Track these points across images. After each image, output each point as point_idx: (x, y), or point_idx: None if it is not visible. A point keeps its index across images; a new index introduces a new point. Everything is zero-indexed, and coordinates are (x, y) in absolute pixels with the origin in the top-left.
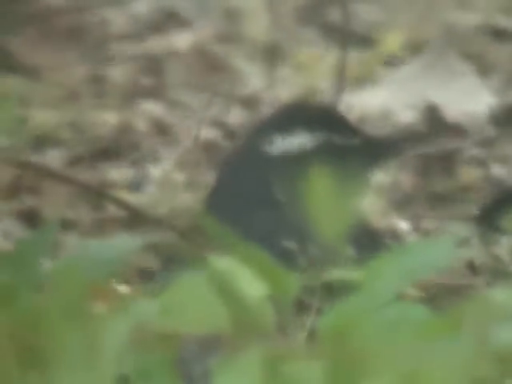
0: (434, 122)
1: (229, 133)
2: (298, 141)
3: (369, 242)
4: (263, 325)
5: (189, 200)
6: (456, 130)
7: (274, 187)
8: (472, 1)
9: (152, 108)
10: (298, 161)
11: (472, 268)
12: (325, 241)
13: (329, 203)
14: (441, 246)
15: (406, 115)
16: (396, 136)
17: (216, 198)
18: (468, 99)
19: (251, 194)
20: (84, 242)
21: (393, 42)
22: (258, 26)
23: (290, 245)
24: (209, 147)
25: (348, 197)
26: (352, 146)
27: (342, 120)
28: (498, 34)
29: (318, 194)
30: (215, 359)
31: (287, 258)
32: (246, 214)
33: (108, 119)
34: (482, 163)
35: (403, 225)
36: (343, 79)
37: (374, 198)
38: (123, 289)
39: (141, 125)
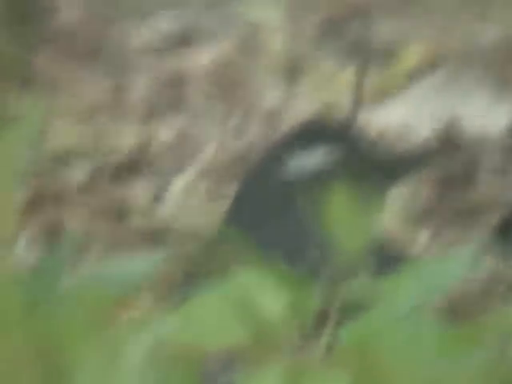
0: (454, 135)
1: (249, 145)
2: (317, 158)
3: (388, 256)
4: (284, 338)
5: (211, 213)
6: (476, 143)
7: (294, 204)
8: (492, 13)
9: (174, 121)
10: (317, 178)
11: (491, 280)
12: (344, 256)
13: (348, 219)
14: (460, 258)
15: (426, 130)
16: (413, 154)
17: (236, 213)
18: (488, 112)
19: (272, 209)
20: (107, 257)
21: (413, 56)
22: (278, 41)
23: (314, 259)
24: (230, 160)
25: (367, 213)
26: (370, 164)
27: (360, 137)
28: None
29: (338, 209)
30: (238, 374)
31: (310, 273)
32: (266, 230)
33: (130, 132)
34: (501, 175)
35: (423, 237)
36: (362, 93)
37: (393, 210)
38: (146, 303)
39: (163, 137)
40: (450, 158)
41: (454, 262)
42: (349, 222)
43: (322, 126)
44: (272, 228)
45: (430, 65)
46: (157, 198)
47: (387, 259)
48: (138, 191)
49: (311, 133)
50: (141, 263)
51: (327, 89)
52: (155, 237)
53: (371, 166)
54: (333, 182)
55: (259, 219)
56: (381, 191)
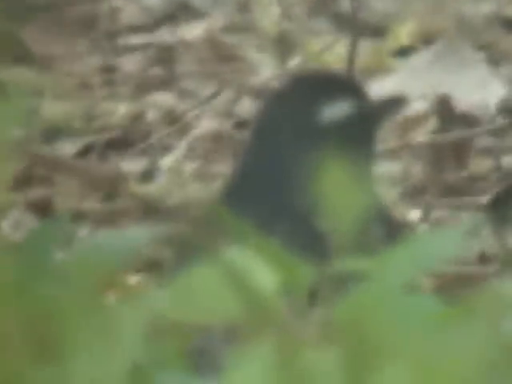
0: (446, 112)
1: (239, 123)
2: (340, 111)
3: (394, 224)
4: (276, 315)
5: (199, 190)
6: (467, 120)
7: (298, 170)
8: None
9: (163, 98)
10: (339, 131)
11: (483, 258)
12: (342, 226)
13: (342, 191)
14: (451, 235)
15: (418, 105)
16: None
17: (238, 185)
18: (479, 89)
19: (276, 177)
20: (96, 233)
21: (404, 32)
22: (269, 17)
23: (321, 227)
24: (219, 137)
25: (364, 180)
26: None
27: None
28: (509, 24)
29: (332, 182)
30: (230, 349)
31: (317, 243)
32: (271, 197)
33: (119, 109)
34: (493, 153)
35: (414, 215)
36: (354, 69)
37: (385, 188)
38: (135, 280)
39: (152, 115)
40: (441, 135)
41: (446, 239)
42: (343, 195)
43: (318, 78)
44: (272, 203)
45: (422, 41)
46: (146, 175)
47: (391, 229)
48: (127, 168)
49: (313, 88)
50: (130, 240)
51: (319, 64)
52: (145, 213)
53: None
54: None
55: (259, 194)
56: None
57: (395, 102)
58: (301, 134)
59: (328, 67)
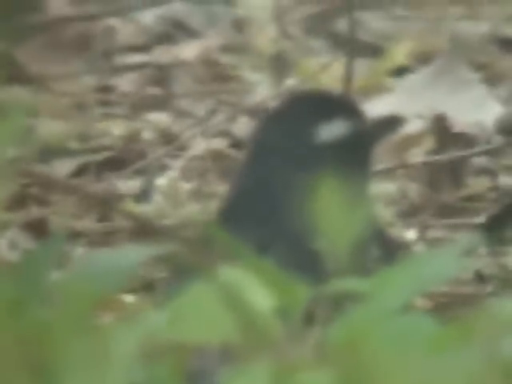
0: (442, 131)
1: (235, 142)
2: (335, 131)
3: (390, 245)
4: (271, 336)
5: (195, 210)
6: (464, 140)
7: (294, 190)
8: (480, 11)
9: (159, 118)
10: (325, 157)
11: (480, 278)
12: (338, 248)
13: (337, 214)
14: (448, 256)
15: (414, 125)
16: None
17: (233, 205)
18: (476, 109)
19: (272, 198)
20: (91, 253)
21: (401, 52)
22: (265, 36)
23: (317, 248)
24: (215, 157)
25: (360, 201)
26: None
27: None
28: (506, 44)
29: (329, 201)
30: (226, 370)
31: (313, 263)
32: (267, 218)
33: (115, 129)
34: (489, 173)
35: (411, 234)
36: (350, 89)
37: (382, 207)
38: (131, 299)
39: (148, 134)
40: (437, 155)
41: (443, 259)
42: (338, 217)
43: (314, 99)
44: (268, 224)
45: (419, 61)
46: (142, 195)
47: (389, 249)
48: (123, 188)
49: (307, 109)
50: (126, 260)
51: (314, 84)
52: (141, 233)
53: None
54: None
55: (255, 215)
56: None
57: (392, 122)
58: (296, 154)
59: (324, 87)
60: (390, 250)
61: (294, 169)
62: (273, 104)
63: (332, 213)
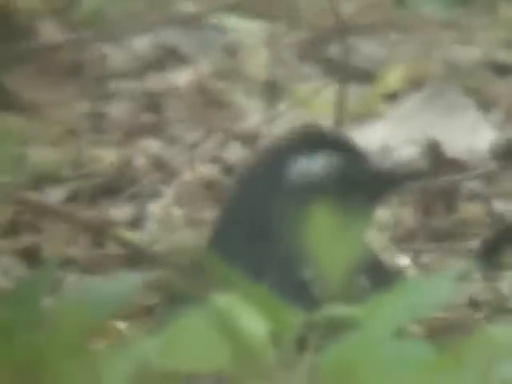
0: (435, 157)
1: (227, 168)
2: (311, 169)
3: (381, 274)
4: (265, 362)
5: (188, 236)
6: (457, 165)
7: (281, 220)
8: (472, 36)
9: (151, 144)
10: (310, 191)
11: (474, 303)
12: (328, 276)
13: (331, 242)
14: (442, 281)
15: (407, 151)
16: (398, 171)
17: (223, 233)
18: (469, 134)
19: (260, 226)
20: (84, 280)
21: (393, 77)
22: (257, 62)
23: (307, 276)
24: (207, 183)
25: (352, 231)
26: (363, 179)
27: (356, 150)
28: (499, 69)
29: (320, 231)
30: None
31: (303, 291)
32: (256, 246)
33: (107, 156)
34: (483, 198)
35: (405, 260)
36: (343, 114)
37: (376, 233)
38: (123, 326)
39: (140, 161)
40: (431, 179)
41: (436, 285)
42: (332, 245)
43: (316, 137)
44: (262, 246)
45: (411, 86)
46: (135, 221)
47: (380, 277)
48: (116, 214)
49: (304, 144)
50: (119, 286)
51: (308, 110)
52: (133, 260)
53: (362, 182)
54: (323, 198)
55: (245, 242)
56: (365, 209)
57: (406, 176)
58: (286, 190)
59: (317, 112)
60: (381, 277)
61: (284, 200)
62: (270, 133)
63: (323, 240)
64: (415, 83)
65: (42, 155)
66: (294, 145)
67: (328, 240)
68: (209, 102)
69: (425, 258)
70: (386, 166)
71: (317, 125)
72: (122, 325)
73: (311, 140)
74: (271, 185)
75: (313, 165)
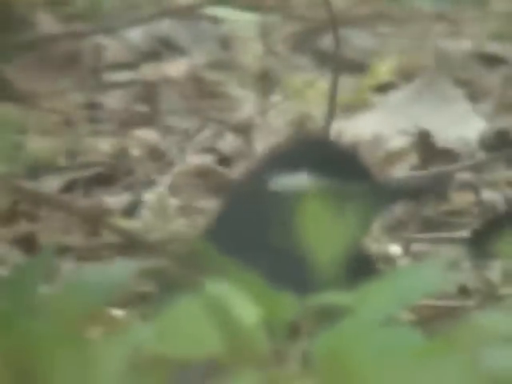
0: (426, 147)
1: (222, 158)
2: (300, 181)
3: (364, 266)
4: (258, 349)
5: (183, 225)
6: (448, 156)
7: (272, 228)
8: (463, 28)
9: (146, 134)
10: (297, 201)
11: (464, 291)
12: (319, 266)
13: (322, 229)
14: (432, 269)
15: (398, 141)
16: (400, 181)
17: (215, 231)
18: (459, 125)
19: (251, 232)
20: (80, 268)
21: (385, 68)
22: (251, 53)
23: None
24: (202, 173)
25: (343, 223)
26: (354, 192)
27: (351, 161)
28: (489, 61)
29: (312, 220)
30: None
31: (302, 277)
32: (245, 253)
33: (103, 146)
34: (473, 188)
35: (395, 249)
36: (335, 105)
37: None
38: (119, 314)
39: (135, 151)
40: (421, 170)
41: (426, 272)
42: (323, 232)
43: (313, 145)
44: (251, 253)
45: (402, 77)
46: (130, 210)
47: (363, 269)
48: (111, 203)
49: (300, 153)
50: (115, 274)
51: (300, 100)
52: (129, 248)
53: (354, 195)
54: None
55: (240, 240)
56: (363, 217)
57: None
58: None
59: (309, 103)
60: (370, 266)
61: (269, 209)
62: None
63: (317, 229)
64: (406, 75)
65: (39, 145)
66: (281, 156)
67: (322, 227)
68: (203, 93)
69: (416, 247)
70: (386, 181)
71: (310, 133)
72: (117, 312)
73: (300, 150)
74: (256, 200)
75: (297, 177)
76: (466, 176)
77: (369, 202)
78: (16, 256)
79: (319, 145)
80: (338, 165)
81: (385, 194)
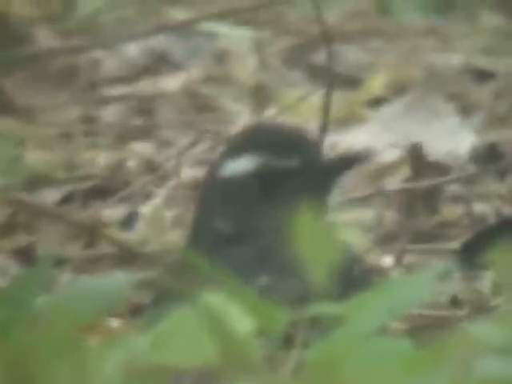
0: (418, 160)
1: None
2: (241, 165)
3: (357, 276)
4: (252, 359)
5: (177, 237)
6: (438, 168)
7: (222, 217)
8: (453, 43)
9: (142, 147)
10: (241, 185)
11: (454, 302)
12: (311, 276)
13: (315, 241)
14: (423, 280)
15: (390, 154)
16: (339, 159)
17: (193, 234)
18: (450, 138)
19: (215, 226)
20: (77, 279)
21: (377, 83)
22: (245, 68)
23: (263, 281)
24: (197, 185)
25: (333, 233)
26: (290, 170)
27: (289, 142)
28: (479, 75)
29: (305, 233)
30: None
31: (294, 288)
32: (217, 251)
33: (100, 158)
34: (463, 200)
35: (387, 260)
36: (328, 119)
37: (358, 234)
38: (115, 323)
39: (132, 164)
40: (412, 182)
41: (417, 283)
42: (316, 243)
43: (260, 131)
44: (222, 250)
45: (394, 91)
46: (127, 222)
47: (356, 279)
48: (108, 215)
49: (246, 139)
50: (111, 285)
51: (293, 114)
52: (125, 259)
53: (290, 172)
54: (255, 191)
55: (210, 240)
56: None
57: (350, 160)
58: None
59: (303, 117)
60: (364, 275)
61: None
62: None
63: (308, 239)
64: (398, 89)
65: (37, 158)
66: (234, 144)
67: (312, 236)
68: (198, 107)
69: (407, 258)
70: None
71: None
72: (113, 322)
73: (250, 136)
74: (210, 184)
75: (242, 163)
76: (456, 188)
77: (303, 182)
78: (14, 267)
79: (269, 129)
80: (286, 146)
81: (332, 168)
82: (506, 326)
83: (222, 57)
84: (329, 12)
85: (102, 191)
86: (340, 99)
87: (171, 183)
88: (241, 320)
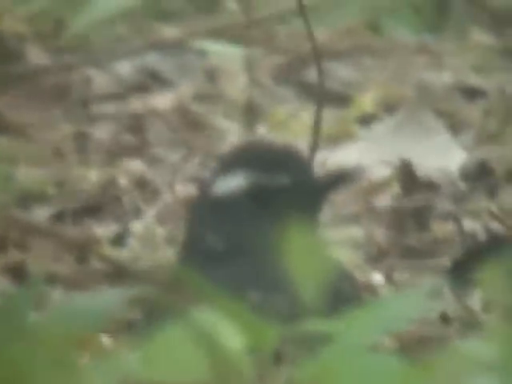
0: (408, 177)
1: None
2: (232, 182)
3: (347, 293)
4: (243, 375)
5: (169, 254)
6: (429, 186)
7: (213, 234)
8: (444, 60)
9: (134, 165)
10: (232, 202)
11: (445, 319)
12: (301, 293)
13: (306, 258)
14: (414, 297)
15: (380, 171)
16: (329, 176)
17: (185, 251)
18: (440, 155)
19: (206, 243)
20: (69, 296)
21: (368, 100)
22: (236, 85)
23: (254, 298)
24: (188, 202)
25: (323, 250)
26: (281, 187)
27: (280, 159)
28: (469, 93)
29: (296, 250)
30: None
31: (284, 304)
32: (208, 268)
33: (91, 175)
34: (453, 218)
35: (377, 277)
36: (319, 137)
37: (349, 251)
38: (107, 340)
39: (123, 181)
40: (403, 199)
41: (408, 301)
42: (307, 260)
43: (249, 149)
44: (212, 266)
45: (385, 109)
46: (118, 239)
47: (346, 297)
48: (100, 233)
49: (236, 158)
50: (103, 302)
51: (284, 131)
52: (116, 276)
53: (281, 190)
54: (246, 209)
55: (201, 257)
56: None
57: (340, 177)
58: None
59: (293, 135)
60: (354, 293)
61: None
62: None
63: (299, 256)
64: (388, 106)
65: (29, 175)
66: (225, 162)
67: (303, 253)
68: (189, 124)
69: (397, 276)
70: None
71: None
72: (105, 339)
73: (241, 154)
74: (202, 202)
75: (233, 180)
76: (446, 206)
77: (293, 199)
78: (5, 284)
79: (260, 147)
80: (277, 164)
81: (322, 186)
82: (496, 343)
83: (212, 74)
84: (319, 29)
85: (93, 208)
86: (331, 116)
87: (163, 200)
88: (232, 337)
